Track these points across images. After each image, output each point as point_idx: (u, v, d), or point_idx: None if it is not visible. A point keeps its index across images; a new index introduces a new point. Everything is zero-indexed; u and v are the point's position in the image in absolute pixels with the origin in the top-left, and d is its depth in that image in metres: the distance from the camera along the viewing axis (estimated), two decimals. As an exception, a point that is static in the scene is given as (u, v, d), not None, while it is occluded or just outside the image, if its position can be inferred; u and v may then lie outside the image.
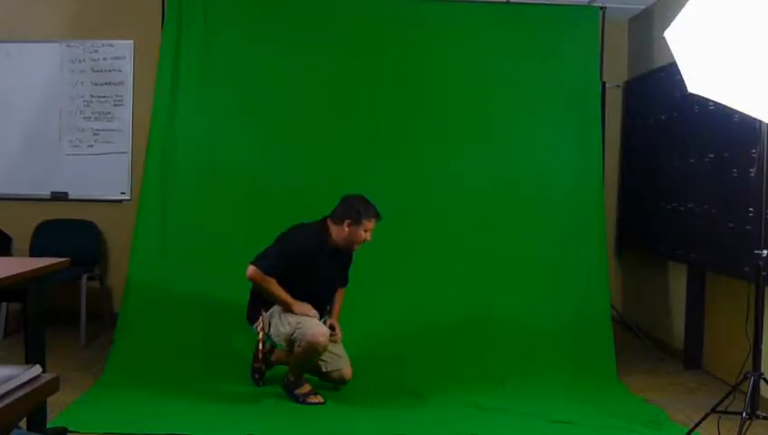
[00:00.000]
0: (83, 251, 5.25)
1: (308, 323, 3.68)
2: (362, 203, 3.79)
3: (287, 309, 3.74)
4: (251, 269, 3.71)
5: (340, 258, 3.93)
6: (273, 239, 3.85)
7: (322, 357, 3.88)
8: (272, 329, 3.79)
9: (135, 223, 4.68)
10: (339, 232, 3.78)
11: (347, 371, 3.93)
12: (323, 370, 3.90)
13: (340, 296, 4.04)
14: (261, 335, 3.83)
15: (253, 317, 3.89)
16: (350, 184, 4.74)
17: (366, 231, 3.76)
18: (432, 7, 4.98)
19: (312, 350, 3.65)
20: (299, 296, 3.77)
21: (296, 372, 3.80)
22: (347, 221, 3.76)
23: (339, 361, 3.92)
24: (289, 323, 3.72)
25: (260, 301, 3.86)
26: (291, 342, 3.71)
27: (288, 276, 3.74)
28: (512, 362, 4.39)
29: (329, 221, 3.82)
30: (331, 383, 3.92)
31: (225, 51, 4.85)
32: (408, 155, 4.88)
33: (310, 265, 3.78)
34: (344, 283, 4.04)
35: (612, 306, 4.91)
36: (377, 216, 3.78)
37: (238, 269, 4.35)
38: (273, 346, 4.03)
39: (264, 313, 3.84)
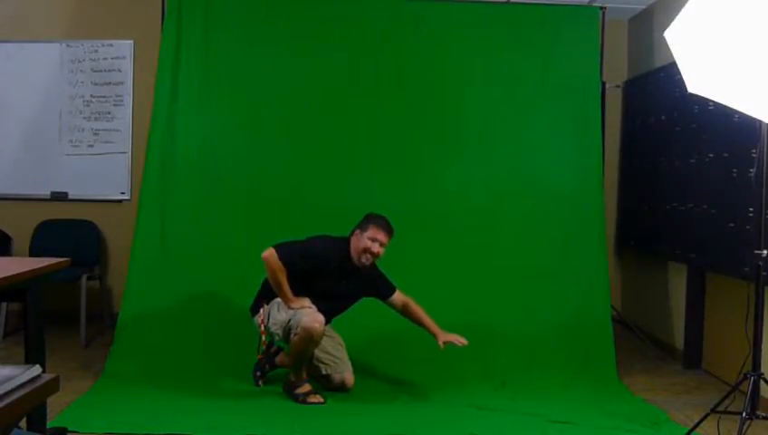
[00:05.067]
0: (83, 251, 5.25)
1: (304, 311, 3.70)
2: (376, 215, 3.85)
3: (286, 303, 3.76)
4: (269, 251, 3.71)
5: (359, 278, 3.89)
6: (274, 239, 3.84)
7: (322, 359, 3.89)
8: (270, 319, 3.80)
9: (135, 223, 4.68)
10: (353, 244, 3.81)
11: (348, 376, 3.93)
12: (323, 372, 3.91)
13: (418, 309, 3.92)
14: (262, 328, 3.84)
15: (255, 309, 3.91)
16: (349, 184, 4.77)
17: (373, 241, 3.77)
18: (432, 7, 4.98)
19: (308, 336, 3.64)
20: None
21: (295, 365, 3.80)
22: (357, 230, 3.81)
23: (339, 364, 3.92)
24: (286, 312, 3.75)
25: (265, 293, 3.87)
26: (287, 330, 3.72)
27: (298, 276, 3.75)
28: (512, 362, 4.39)
29: (350, 237, 3.85)
30: (333, 390, 3.90)
31: (225, 51, 4.85)
32: (407, 156, 4.87)
33: (322, 274, 3.79)
34: (391, 290, 3.96)
35: (612, 306, 4.91)
36: (385, 227, 3.80)
37: (238, 269, 4.39)
38: (279, 349, 4.04)
39: (265, 305, 3.85)
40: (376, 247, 3.78)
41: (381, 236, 3.79)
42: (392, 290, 3.96)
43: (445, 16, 4.97)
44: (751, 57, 2.68)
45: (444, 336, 3.81)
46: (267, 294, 3.86)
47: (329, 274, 3.81)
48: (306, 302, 3.76)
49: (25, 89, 5.54)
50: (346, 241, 3.86)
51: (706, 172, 4.26)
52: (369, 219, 3.84)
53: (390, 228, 3.83)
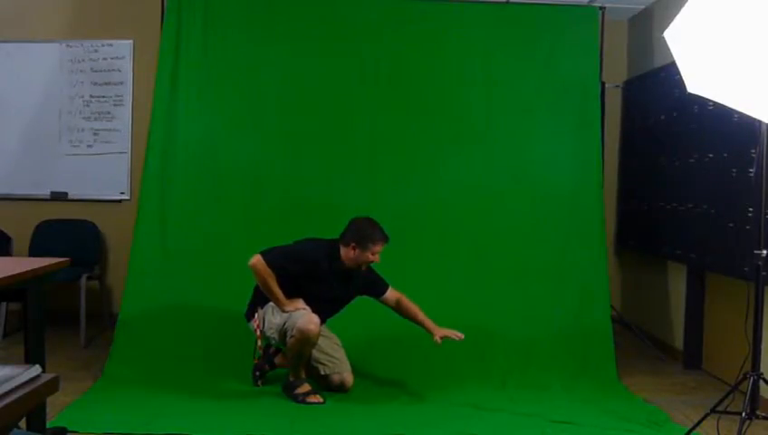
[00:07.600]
0: (83, 251, 5.24)
1: (299, 313, 3.70)
2: (369, 226, 3.80)
3: (279, 307, 3.76)
4: (256, 257, 3.72)
5: (351, 279, 3.88)
6: (274, 239, 3.86)
7: (320, 360, 3.89)
8: (266, 323, 3.80)
9: (135, 223, 4.68)
10: (346, 253, 3.80)
11: (347, 376, 3.93)
12: (322, 373, 3.90)
13: (411, 305, 3.91)
14: (258, 333, 3.84)
15: (250, 315, 3.91)
16: (349, 184, 4.78)
17: (373, 254, 3.77)
18: (432, 7, 4.98)
19: (304, 337, 3.64)
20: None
21: (294, 366, 3.80)
22: (352, 244, 3.78)
23: (338, 364, 3.92)
24: (281, 315, 3.75)
25: (258, 298, 3.87)
26: (283, 333, 3.72)
27: (288, 280, 3.75)
28: (512, 362, 4.39)
29: (339, 243, 3.83)
30: (332, 390, 3.89)
31: (224, 51, 4.85)
32: (407, 155, 4.87)
33: (312, 277, 3.79)
34: (384, 287, 3.95)
35: (612, 306, 4.91)
36: (384, 239, 3.79)
37: (238, 269, 4.35)
38: (278, 350, 4.04)
39: (259, 310, 3.85)
40: (377, 258, 3.81)
41: (380, 248, 3.79)
42: (385, 287, 3.95)
43: (445, 16, 4.97)
44: (750, 57, 2.68)
45: (440, 331, 3.80)
46: (260, 299, 3.86)
47: (319, 276, 3.80)
48: (300, 303, 3.75)
49: (25, 89, 5.54)
50: (335, 243, 3.84)
51: (706, 172, 4.26)
52: (365, 235, 3.75)
53: (386, 236, 3.81)
